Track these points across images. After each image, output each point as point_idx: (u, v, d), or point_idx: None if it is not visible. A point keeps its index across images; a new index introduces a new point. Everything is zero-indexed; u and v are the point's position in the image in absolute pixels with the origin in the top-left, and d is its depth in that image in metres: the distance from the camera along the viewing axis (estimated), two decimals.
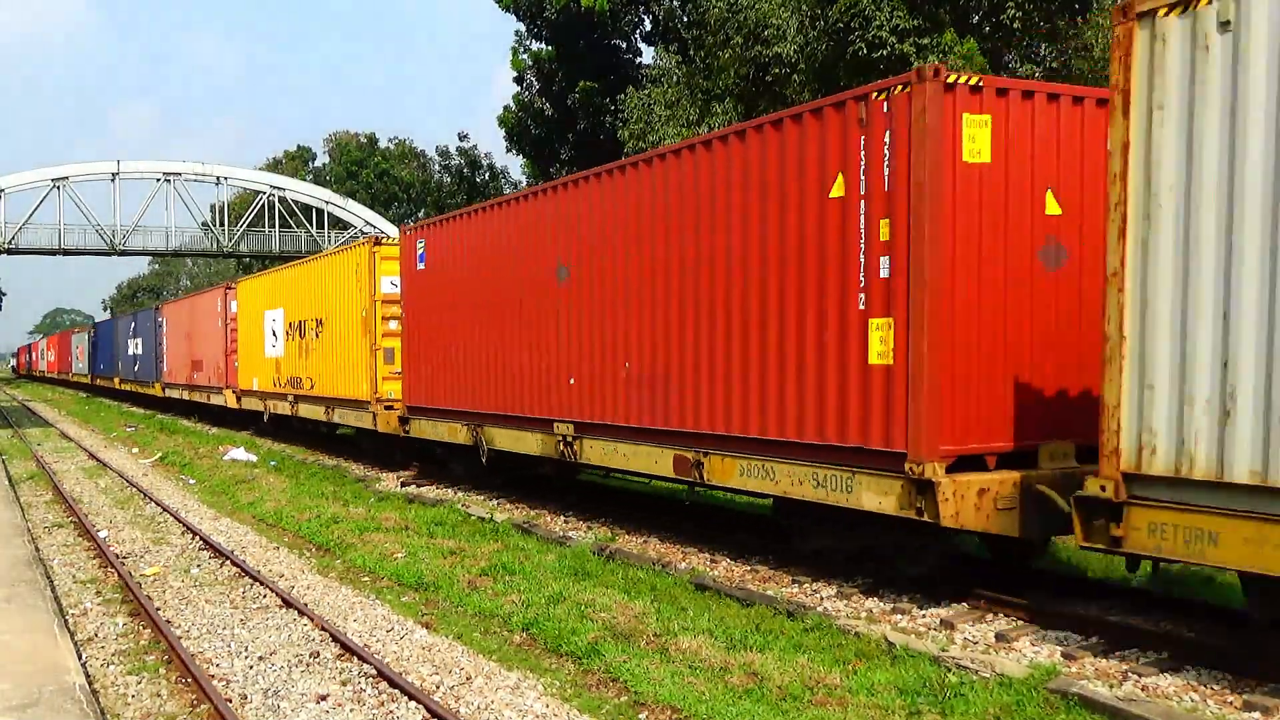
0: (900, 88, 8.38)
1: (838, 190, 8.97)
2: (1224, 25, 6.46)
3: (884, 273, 8.53)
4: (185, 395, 33.53)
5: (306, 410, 22.57)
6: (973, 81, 8.39)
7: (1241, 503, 6.32)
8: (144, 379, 40.03)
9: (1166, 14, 6.70)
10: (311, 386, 22.09)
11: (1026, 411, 8.53)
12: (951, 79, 8.27)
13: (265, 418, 25.87)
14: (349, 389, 19.91)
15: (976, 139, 8.36)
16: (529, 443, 13.69)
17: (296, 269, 23.86)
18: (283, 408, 23.99)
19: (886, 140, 8.48)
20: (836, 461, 8.99)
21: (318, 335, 21.68)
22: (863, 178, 8.71)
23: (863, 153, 8.70)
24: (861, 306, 8.75)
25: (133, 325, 43.12)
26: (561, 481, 15.55)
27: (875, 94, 8.58)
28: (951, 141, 8.24)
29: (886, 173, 8.49)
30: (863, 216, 8.73)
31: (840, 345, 8.95)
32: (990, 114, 8.40)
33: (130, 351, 43.01)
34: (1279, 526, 6.11)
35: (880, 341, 8.58)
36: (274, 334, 24.52)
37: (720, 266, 10.33)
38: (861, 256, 8.74)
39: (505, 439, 14.33)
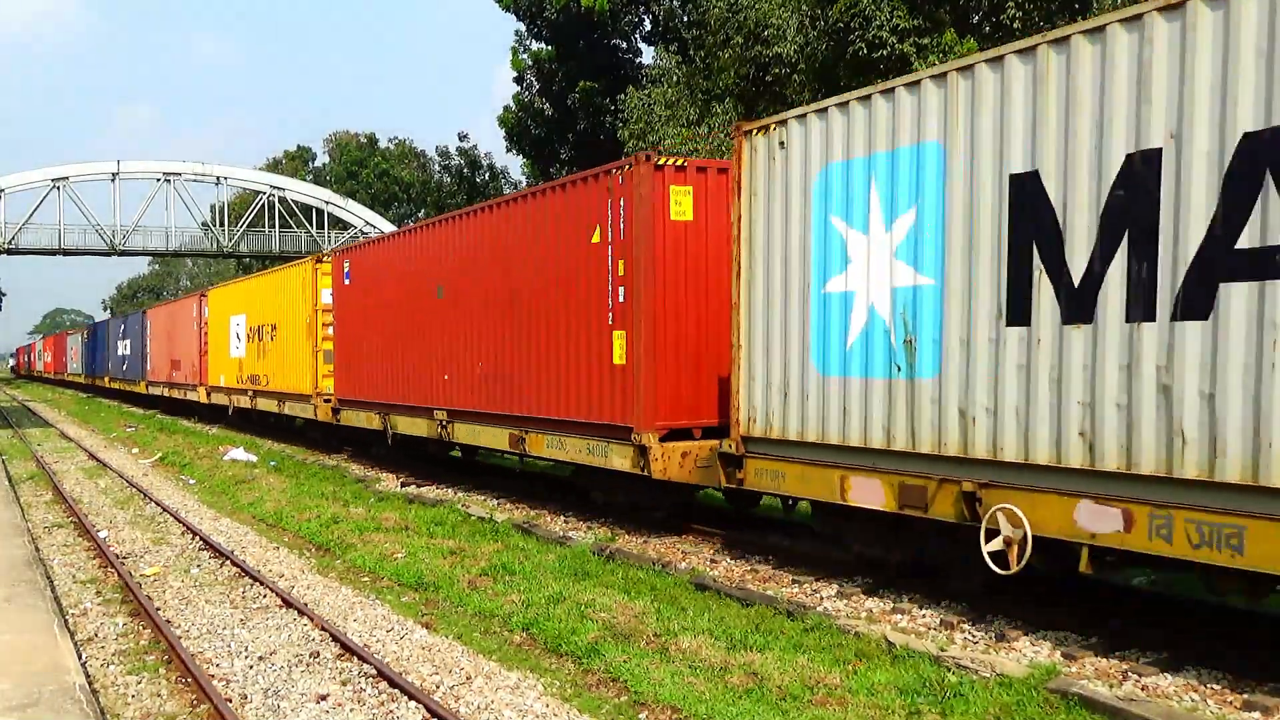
0: (628, 167, 11.68)
1: (596, 238, 12.21)
2: (781, 145, 9.82)
3: (621, 298, 11.83)
4: (166, 392, 36.54)
5: (263, 404, 25.53)
6: (678, 163, 11.69)
7: (795, 453, 9.81)
8: (131, 378, 42.85)
9: (757, 134, 10.13)
10: (267, 383, 25.08)
11: (725, 398, 11.35)
12: (661, 162, 11.62)
13: (230, 411, 28.86)
14: (296, 385, 22.94)
15: (682, 203, 11.66)
16: (420, 426, 17.06)
17: (256, 280, 26.83)
18: (244, 401, 27.07)
19: (622, 204, 11.71)
20: (598, 435, 12.31)
21: (272, 338, 24.73)
22: (609, 230, 11.96)
23: (609, 212, 11.95)
24: (610, 322, 12.01)
25: (122, 328, 46.02)
26: (443, 456, 19.12)
27: (615, 170, 11.87)
28: (662, 205, 11.50)
29: (622, 226, 11.73)
30: (609, 258, 11.99)
31: (598, 350, 12.23)
32: (692, 185, 11.69)
33: (120, 352, 45.75)
34: (816, 468, 9.54)
35: (619, 348, 11.87)
36: (238, 337, 27.49)
37: (530, 291, 13.68)
38: (609, 286, 12.02)
39: (404, 424, 17.70)
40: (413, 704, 7.00)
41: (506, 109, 43.61)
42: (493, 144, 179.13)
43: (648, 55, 40.64)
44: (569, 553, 11.22)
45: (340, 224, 66.96)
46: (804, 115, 9.59)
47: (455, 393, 15.73)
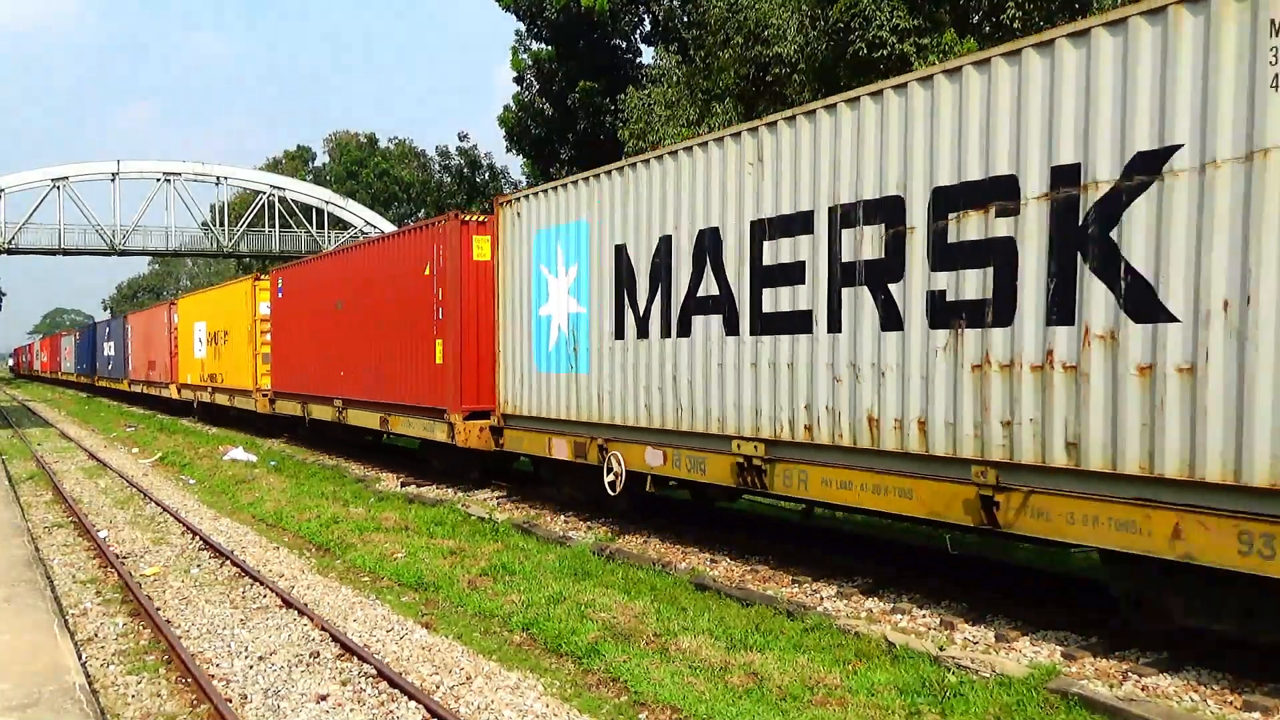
0: (443, 221, 16.07)
1: (427, 271, 16.49)
2: (518, 214, 14.10)
3: (440, 316, 16.12)
4: (144, 390, 41.00)
5: (219, 398, 29.91)
6: (479, 218, 15.72)
7: (527, 425, 14.02)
8: (116, 376, 47.45)
9: (506, 205, 14.47)
10: (221, 380, 29.35)
11: None
12: (466, 218, 15.79)
13: (195, 405, 33.07)
14: (242, 382, 27.35)
15: (481, 247, 15.53)
16: (327, 412, 21.41)
17: (213, 292, 31.68)
18: (205, 396, 31.34)
19: (441, 248, 16.06)
20: (429, 416, 16.45)
21: (225, 343, 29.07)
22: (434, 265, 16.28)
23: (434, 253, 16.31)
24: (433, 333, 16.28)
25: (108, 331, 50.83)
26: (346, 436, 22.63)
27: (437, 223, 16.27)
28: (466, 249, 15.58)
29: (442, 263, 16.05)
30: (434, 286, 16.26)
31: (427, 354, 16.50)
32: (490, 234, 15.25)
33: (106, 353, 50.30)
34: (536, 434, 13.74)
35: (439, 352, 16.15)
36: (200, 341, 31.88)
37: (389, 309, 18.05)
38: (433, 306, 16.25)
39: (317, 411, 22.12)
40: (413, 704, 7.00)
41: (506, 109, 43.60)
42: (493, 144, 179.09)
43: (648, 55, 40.65)
44: (569, 553, 11.23)
45: (340, 224, 66.96)
46: (529, 195, 13.89)
47: (348, 386, 20.28)
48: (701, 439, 10.70)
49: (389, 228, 62.25)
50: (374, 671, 7.69)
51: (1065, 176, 7.33)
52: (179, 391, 34.35)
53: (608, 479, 11.96)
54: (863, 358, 8.90)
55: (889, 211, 8.62)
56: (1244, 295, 6.31)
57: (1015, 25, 22.03)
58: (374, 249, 19.21)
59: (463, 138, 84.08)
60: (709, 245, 10.60)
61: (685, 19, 35.12)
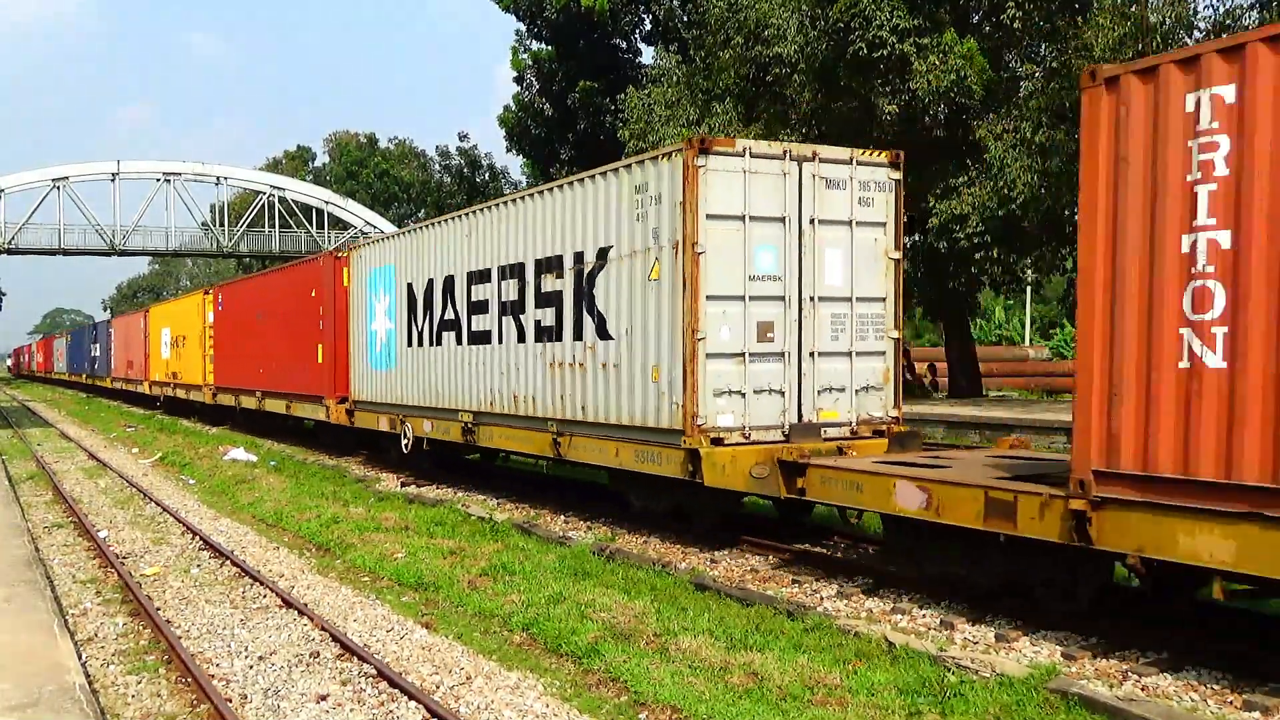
0: (322, 258, 22.00)
1: (313, 294, 21.89)
2: (361, 257, 20.60)
3: (321, 327, 21.38)
4: (123, 386, 46.87)
5: (179, 392, 35.54)
6: (343, 253, 20.99)
7: (368, 408, 19.61)
8: (100, 374, 53.22)
9: (353, 250, 21.11)
10: (180, 377, 35.02)
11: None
12: (340, 254, 21.19)
13: (160, 399, 38.90)
14: (195, 379, 32.87)
15: (347, 277, 20.41)
16: (250, 402, 26.80)
17: (176, 302, 38.99)
18: (169, 391, 36.97)
19: (321, 277, 21.57)
20: (316, 402, 21.74)
21: (184, 345, 34.58)
22: (319, 289, 21.65)
23: (319, 279, 21.64)
24: (317, 339, 21.34)
25: (94, 334, 56.60)
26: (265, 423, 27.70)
27: (319, 257, 22.15)
28: (338, 277, 20.67)
29: (321, 289, 21.41)
30: (319, 304, 21.48)
31: (314, 354, 21.61)
32: (349, 266, 20.44)
33: (93, 354, 55.77)
34: (372, 413, 19.33)
35: (320, 353, 21.12)
36: (165, 344, 37.30)
37: (290, 320, 23.44)
38: (318, 319, 21.52)
39: (245, 401, 27.53)
40: (413, 704, 7.00)
41: (506, 109, 43.62)
42: (493, 144, 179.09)
43: (648, 55, 40.64)
44: (569, 553, 11.22)
45: (340, 224, 66.94)
46: (370, 244, 19.85)
47: (264, 380, 25.47)
48: (447, 413, 16.22)
49: (389, 228, 62.29)
50: (374, 671, 7.68)
51: (578, 257, 12.74)
52: (150, 387, 40.44)
53: (403, 442, 17.80)
54: (510, 360, 14.38)
55: (518, 271, 14.13)
56: (632, 326, 11.79)
57: (1015, 25, 22.03)
58: (282, 274, 25.56)
59: (463, 138, 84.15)
60: (449, 286, 16.22)
61: (685, 19, 35.11)
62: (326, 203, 66.27)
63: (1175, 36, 20.30)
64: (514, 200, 14.42)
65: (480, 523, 13.39)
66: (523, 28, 41.50)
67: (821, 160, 11.39)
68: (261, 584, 10.61)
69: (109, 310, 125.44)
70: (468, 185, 60.55)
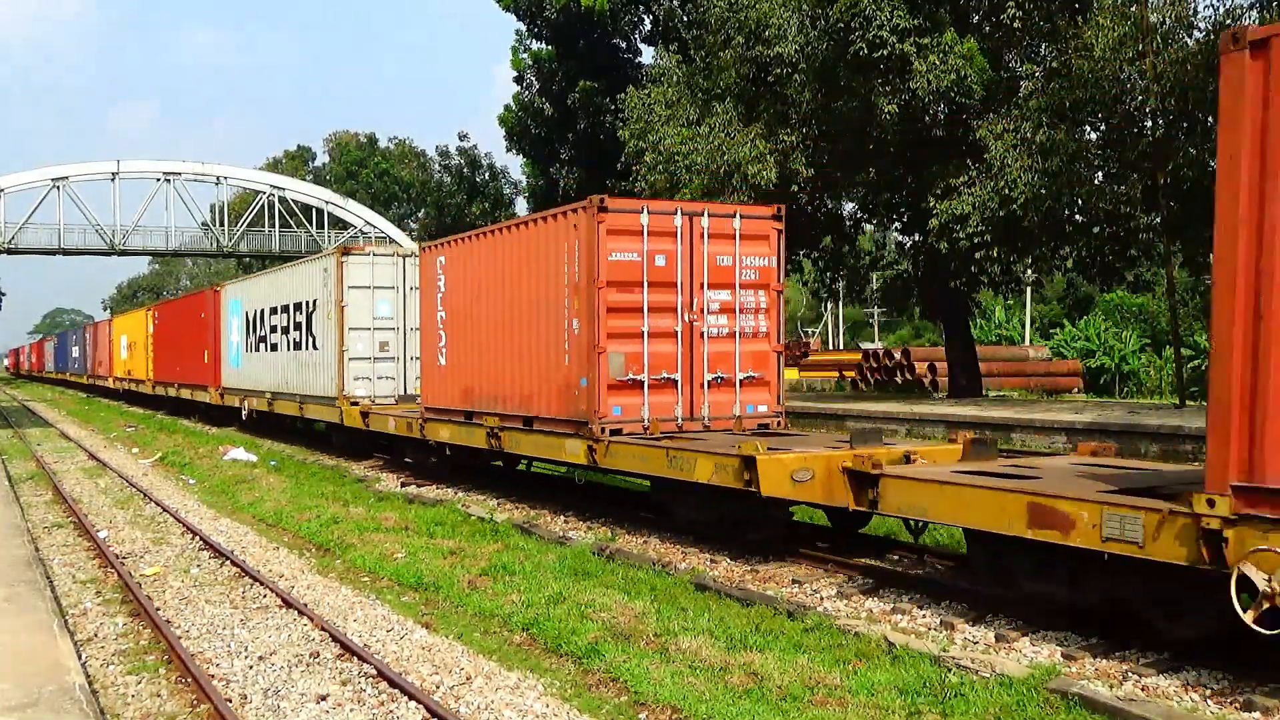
0: (212, 291, 32.17)
1: (203, 316, 32.35)
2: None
3: (209, 338, 31.75)
4: (95, 381, 56.12)
5: (132, 386, 44.71)
6: (220, 287, 31.04)
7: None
8: (79, 372, 63.30)
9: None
10: (132, 374, 44.42)
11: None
12: (219, 286, 31.35)
13: (122, 391, 47.75)
14: (143, 375, 41.88)
15: (219, 305, 30.42)
16: (172, 390, 35.97)
17: (129, 316, 48.44)
18: (128, 385, 45.86)
19: (212, 304, 31.89)
20: (201, 388, 32.24)
21: (134, 349, 43.97)
22: (209, 314, 32.14)
23: (210, 306, 31.95)
24: (205, 348, 31.56)
25: (74, 337, 67.47)
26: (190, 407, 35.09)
27: (214, 289, 31.99)
28: (216, 307, 31.56)
29: (211, 314, 31.81)
30: (206, 324, 32.24)
31: (203, 355, 31.87)
32: (221, 297, 30.77)
33: (73, 355, 66.29)
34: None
35: (206, 355, 31.97)
36: (123, 347, 46.62)
37: (189, 334, 33.95)
38: (207, 335, 31.86)
39: (173, 390, 35.78)
40: (413, 704, 7.00)
41: (506, 109, 43.56)
42: (493, 144, 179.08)
43: (648, 55, 40.62)
44: (569, 553, 11.22)
45: (340, 224, 66.93)
46: (229, 283, 25.95)
47: (180, 375, 34.50)
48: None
49: (389, 227, 62.40)
50: (374, 671, 7.68)
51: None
52: (114, 381, 49.51)
53: (243, 414, 23.91)
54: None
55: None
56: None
57: (1015, 25, 22.01)
58: (184, 301, 36.28)
59: (463, 138, 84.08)
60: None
61: (685, 19, 35.08)
62: (326, 203, 66.26)
63: (1175, 36, 20.29)
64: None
65: (480, 523, 13.38)
66: (523, 28, 41.46)
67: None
68: (261, 584, 10.61)
69: (109, 310, 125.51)
70: (468, 185, 60.48)
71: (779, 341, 13.62)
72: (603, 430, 12.33)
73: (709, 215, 13.05)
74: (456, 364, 15.99)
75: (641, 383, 12.60)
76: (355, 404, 19.75)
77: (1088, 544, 7.20)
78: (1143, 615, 7.56)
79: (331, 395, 20.65)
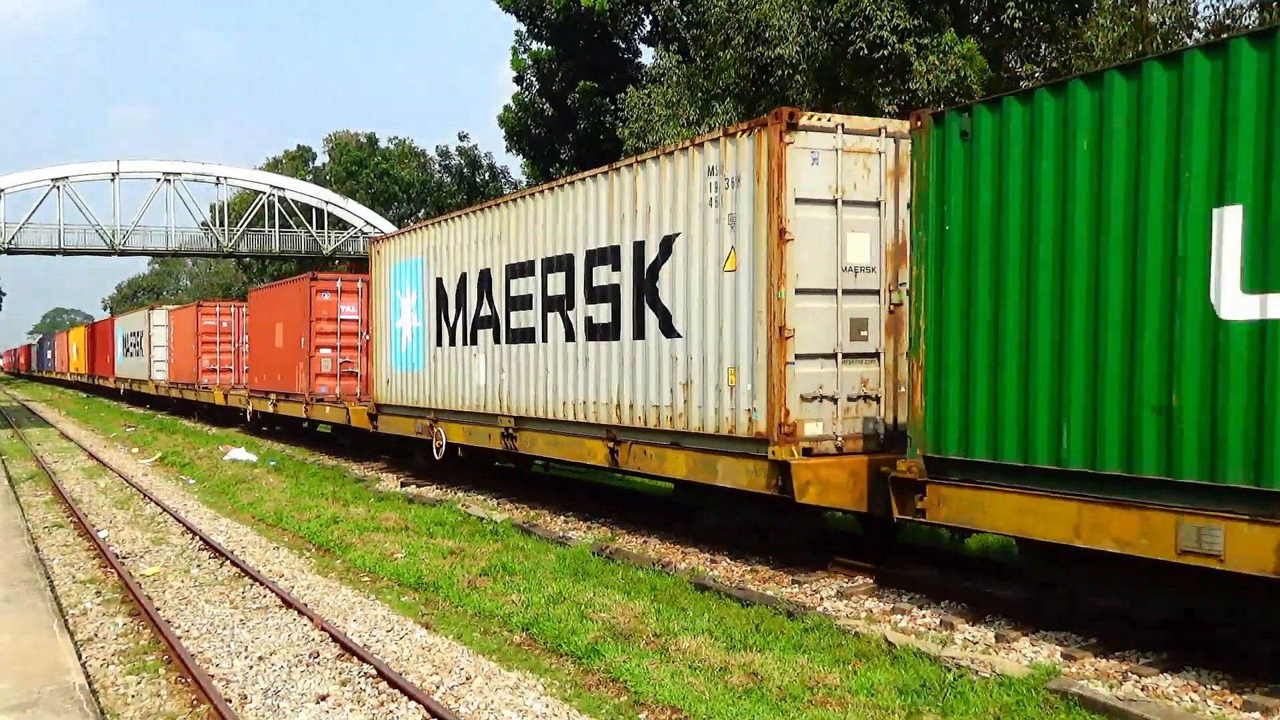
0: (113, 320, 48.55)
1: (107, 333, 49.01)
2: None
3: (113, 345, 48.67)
4: (65, 376, 69.10)
5: (79, 378, 59.50)
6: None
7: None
8: (50, 369, 79.84)
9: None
10: (78, 371, 58.49)
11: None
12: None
13: (79, 383, 62.45)
14: (106, 372, 50.35)
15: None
16: (137, 384, 43.04)
17: (77, 330, 63.42)
18: (78, 377, 57.23)
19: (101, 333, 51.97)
20: (104, 377, 50.75)
21: (79, 354, 58.46)
22: (108, 336, 52.37)
23: (105, 332, 51.84)
24: (107, 354, 51.00)
25: (50, 343, 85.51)
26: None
27: (115, 312, 52.35)
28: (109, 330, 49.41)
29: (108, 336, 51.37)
30: (110, 339, 50.61)
31: (111, 361, 51.35)
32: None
33: (47, 356, 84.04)
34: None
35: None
36: (75, 351, 60.94)
37: (106, 344, 51.84)
38: (109, 344, 50.94)
39: (132, 384, 43.01)
40: (412, 704, 7.00)
41: (506, 109, 43.56)
42: (493, 144, 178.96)
43: (648, 55, 40.60)
44: (569, 553, 11.22)
45: (340, 224, 66.88)
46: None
47: (98, 370, 47.35)
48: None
49: (389, 228, 62.30)
50: (374, 672, 7.68)
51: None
52: (69, 376, 63.81)
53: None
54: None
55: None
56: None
57: (1015, 25, 22.02)
58: (102, 324, 47.13)
59: (463, 138, 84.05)
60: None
61: (685, 19, 35.10)
62: (326, 203, 66.16)
63: (1175, 37, 20.30)
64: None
65: (480, 523, 13.38)
66: (523, 28, 41.45)
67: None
68: (261, 584, 10.61)
69: (109, 310, 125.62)
70: (468, 185, 60.46)
71: None
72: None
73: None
74: None
75: None
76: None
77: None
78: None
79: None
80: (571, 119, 40.82)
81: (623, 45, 41.48)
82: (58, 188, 59.10)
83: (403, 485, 17.50)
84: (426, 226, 17.18)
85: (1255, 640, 6.97)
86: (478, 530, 12.92)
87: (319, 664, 8.00)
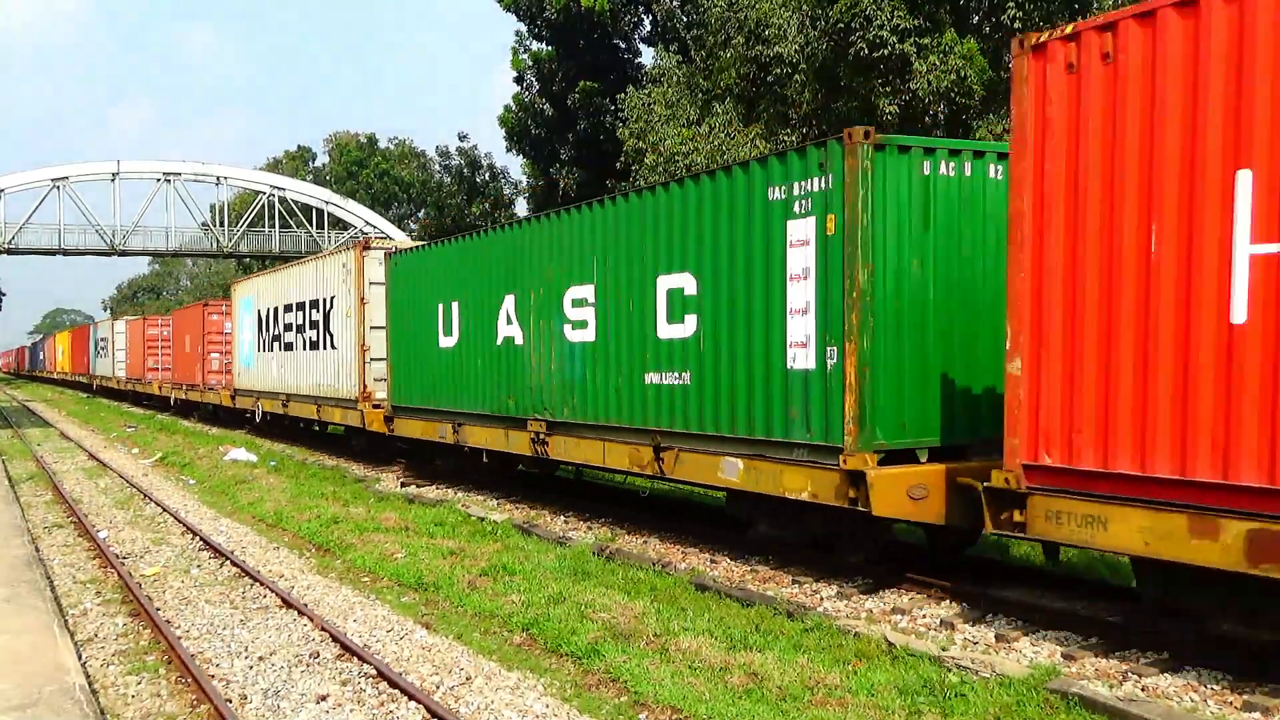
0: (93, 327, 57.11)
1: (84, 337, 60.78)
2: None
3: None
4: (54, 374, 76.37)
5: (64, 375, 68.40)
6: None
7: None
8: (41, 369, 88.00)
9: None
10: (64, 370, 67.96)
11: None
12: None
13: (64, 380, 68.42)
14: (80, 371, 60.57)
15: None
16: (111, 381, 50.43)
17: (62, 334, 75.05)
18: (62, 375, 67.16)
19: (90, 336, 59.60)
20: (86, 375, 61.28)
21: (63, 355, 68.01)
22: (83, 342, 63.73)
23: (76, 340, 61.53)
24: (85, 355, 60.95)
25: (40, 346, 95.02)
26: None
27: (108, 316, 60.64)
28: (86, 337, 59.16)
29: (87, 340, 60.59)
30: (88, 342, 61.39)
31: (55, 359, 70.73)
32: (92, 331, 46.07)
33: (40, 358, 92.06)
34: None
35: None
36: (60, 353, 69.95)
37: (79, 349, 64.68)
38: (87, 349, 62.09)
39: (103, 380, 51.69)
40: (412, 704, 7.00)
41: (506, 109, 43.57)
42: (493, 144, 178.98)
43: (648, 55, 40.61)
44: (569, 553, 11.22)
45: (340, 224, 66.90)
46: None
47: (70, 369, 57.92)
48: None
49: (389, 228, 62.41)
50: (374, 672, 7.68)
51: None
52: (56, 374, 71.13)
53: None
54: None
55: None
56: None
57: (1015, 25, 22.01)
58: (73, 331, 58.75)
59: (463, 138, 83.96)
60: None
61: (685, 19, 35.10)
62: (326, 203, 66.20)
63: None
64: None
65: (480, 523, 13.38)
66: (523, 28, 41.47)
67: None
68: (261, 584, 10.61)
69: (109, 310, 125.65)
70: (468, 185, 60.44)
71: None
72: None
73: None
74: None
75: None
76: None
77: None
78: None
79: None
80: (571, 119, 40.83)
81: (623, 45, 41.50)
82: (58, 188, 59.11)
83: (403, 485, 17.50)
84: (255, 277, 26.40)
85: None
86: (478, 530, 12.92)
87: (319, 664, 8.00)
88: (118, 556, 12.19)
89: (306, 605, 9.69)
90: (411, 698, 7.07)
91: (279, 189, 65.70)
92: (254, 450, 23.45)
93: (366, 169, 74.42)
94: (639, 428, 11.37)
